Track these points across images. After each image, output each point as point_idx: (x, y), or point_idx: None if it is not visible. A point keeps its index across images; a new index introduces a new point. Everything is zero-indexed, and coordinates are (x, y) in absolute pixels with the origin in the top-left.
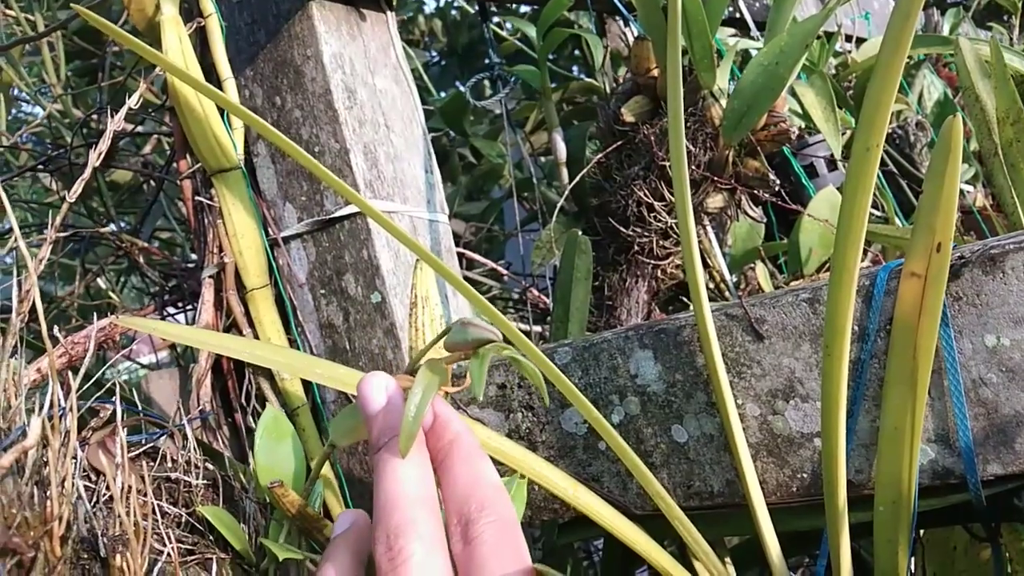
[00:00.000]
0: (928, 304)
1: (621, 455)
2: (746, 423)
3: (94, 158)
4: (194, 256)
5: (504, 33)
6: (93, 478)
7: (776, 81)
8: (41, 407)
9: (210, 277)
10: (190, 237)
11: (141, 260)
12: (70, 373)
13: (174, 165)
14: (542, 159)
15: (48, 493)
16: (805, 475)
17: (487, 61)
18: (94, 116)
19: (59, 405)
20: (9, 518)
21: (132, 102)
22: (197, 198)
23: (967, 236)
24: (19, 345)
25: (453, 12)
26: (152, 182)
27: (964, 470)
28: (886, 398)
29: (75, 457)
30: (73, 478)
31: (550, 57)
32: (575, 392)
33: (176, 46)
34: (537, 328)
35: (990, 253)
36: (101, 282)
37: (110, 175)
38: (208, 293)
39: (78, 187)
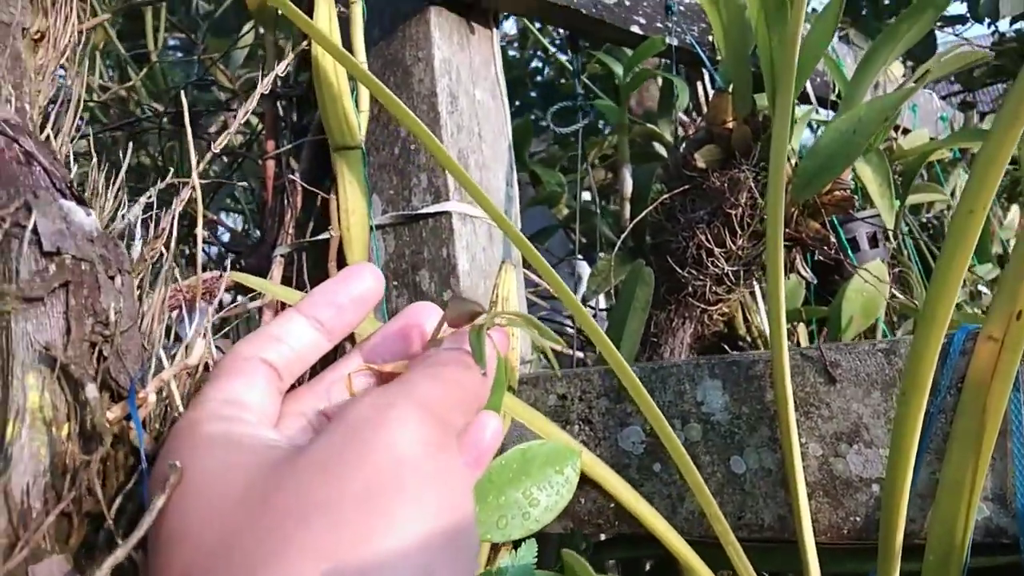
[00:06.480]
0: (1002, 368)
1: (686, 473)
2: (807, 462)
3: (217, 146)
4: (258, 233)
5: (562, 58)
6: None
7: (852, 148)
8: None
9: (281, 256)
10: (256, 215)
11: (207, 232)
12: (208, 307)
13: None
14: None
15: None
16: (858, 519)
17: (571, 93)
18: (176, 88)
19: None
20: (152, 432)
21: (251, 104)
22: (280, 180)
23: None
24: (156, 279)
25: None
26: (224, 158)
27: (1018, 531)
28: (949, 452)
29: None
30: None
31: (590, 83)
32: (650, 403)
33: (325, 21)
34: (579, 354)
35: None
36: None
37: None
38: (277, 272)
39: (200, 166)
